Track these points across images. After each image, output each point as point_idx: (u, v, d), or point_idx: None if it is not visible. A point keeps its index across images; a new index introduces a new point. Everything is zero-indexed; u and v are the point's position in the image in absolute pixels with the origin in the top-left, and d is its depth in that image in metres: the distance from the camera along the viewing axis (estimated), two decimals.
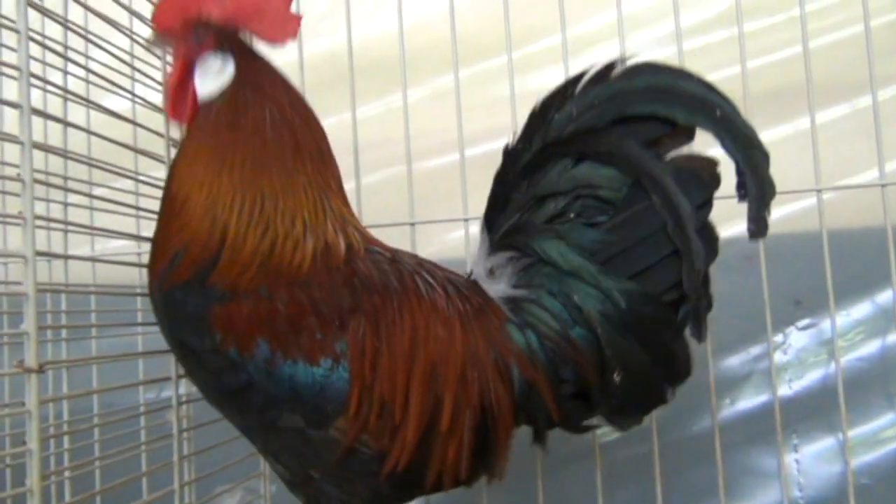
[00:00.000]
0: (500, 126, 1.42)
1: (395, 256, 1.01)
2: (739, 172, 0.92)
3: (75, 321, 1.42)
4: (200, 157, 0.96)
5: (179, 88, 0.99)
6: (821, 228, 1.26)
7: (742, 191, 0.92)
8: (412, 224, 1.38)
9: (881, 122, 1.26)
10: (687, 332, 0.95)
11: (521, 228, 0.98)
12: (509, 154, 1.00)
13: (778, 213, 1.59)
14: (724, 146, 0.92)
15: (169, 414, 1.25)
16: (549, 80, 1.67)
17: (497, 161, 1.26)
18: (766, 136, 1.61)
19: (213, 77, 0.97)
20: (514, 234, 0.99)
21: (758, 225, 0.92)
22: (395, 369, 0.91)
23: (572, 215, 0.96)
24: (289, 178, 0.96)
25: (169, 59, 1.31)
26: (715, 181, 0.94)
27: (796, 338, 1.59)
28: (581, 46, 1.67)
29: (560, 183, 0.96)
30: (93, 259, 1.30)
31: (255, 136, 0.95)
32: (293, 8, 1.00)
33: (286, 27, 0.98)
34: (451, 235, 1.49)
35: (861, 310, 1.57)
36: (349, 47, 1.38)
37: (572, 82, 0.97)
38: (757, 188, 0.91)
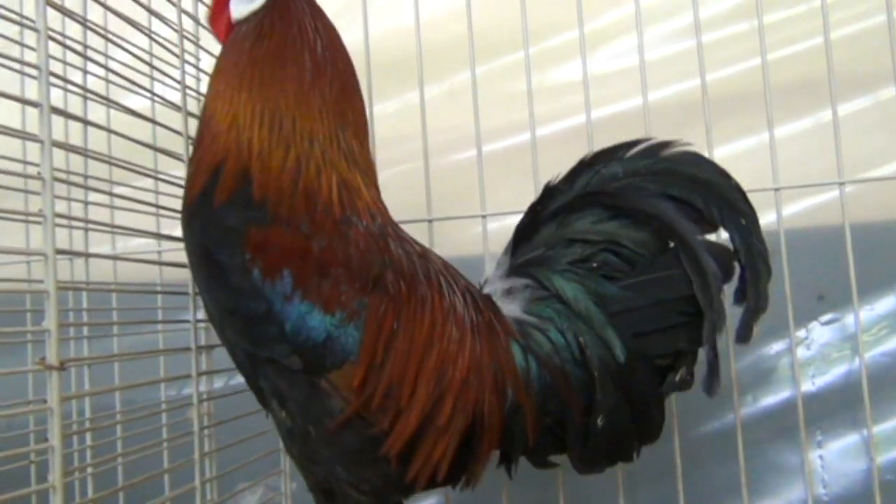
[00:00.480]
0: (518, 122, 1.42)
1: (424, 252, 1.04)
2: (742, 278, 0.99)
3: (97, 319, 1.43)
4: (223, 73, 1.00)
5: (219, 5, 1.04)
6: (843, 222, 1.25)
7: (740, 296, 0.99)
8: (430, 221, 1.38)
9: None
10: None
11: (544, 262, 1.03)
12: (549, 190, 1.06)
13: (800, 206, 1.59)
14: (737, 250, 0.99)
15: (190, 411, 1.25)
16: (567, 75, 1.70)
17: (515, 157, 1.26)
18: (788, 129, 1.61)
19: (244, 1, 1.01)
20: (535, 265, 1.04)
21: (745, 332, 0.98)
22: (408, 356, 0.94)
23: (594, 265, 1.01)
24: (304, 98, 0.98)
25: (188, 57, 1.33)
26: (728, 273, 0.99)
27: (819, 333, 1.57)
28: (599, 41, 1.67)
29: (591, 232, 1.02)
30: (113, 257, 1.31)
31: (274, 54, 0.99)
32: None
33: None
34: (468, 232, 1.49)
35: (885, 304, 1.55)
36: (366, 44, 1.39)
37: (625, 146, 1.05)
38: (753, 299, 0.98)
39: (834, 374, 1.55)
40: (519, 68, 1.38)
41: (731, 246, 1.00)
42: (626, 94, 1.53)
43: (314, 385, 0.93)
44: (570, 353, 0.99)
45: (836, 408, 1.51)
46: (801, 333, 1.56)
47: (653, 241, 1.00)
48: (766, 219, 1.36)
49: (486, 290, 1.07)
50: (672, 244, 1.00)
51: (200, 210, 0.96)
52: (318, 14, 1.04)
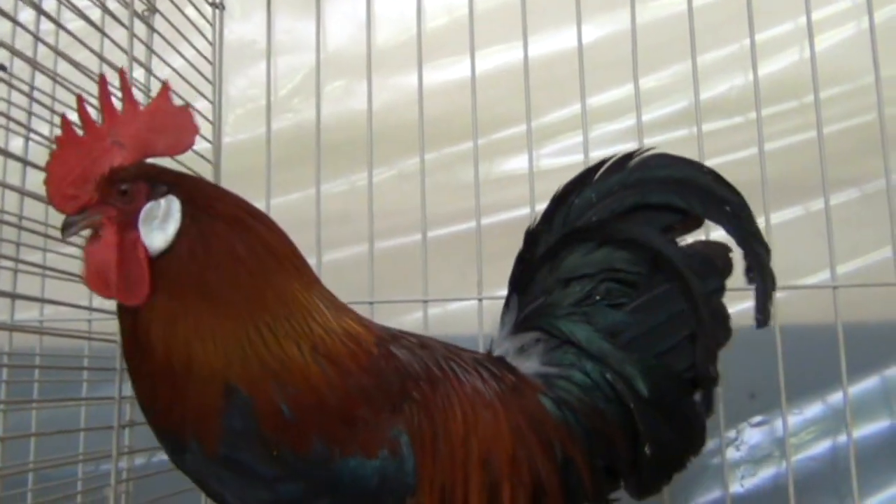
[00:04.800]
0: (464, 210, 1.44)
1: (423, 342, 0.99)
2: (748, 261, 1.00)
3: (16, 388, 1.37)
4: (185, 312, 0.85)
5: (125, 261, 0.85)
6: (774, 328, 1.28)
7: (750, 274, 0.99)
8: (371, 303, 1.37)
9: (833, 226, 1.30)
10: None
11: (547, 311, 1.00)
12: (530, 235, 1.03)
13: (734, 308, 1.63)
14: (732, 237, 0.99)
15: (106, 490, 1.20)
16: (514, 166, 1.73)
17: (459, 245, 1.26)
18: (723, 234, 1.65)
19: (160, 224, 0.86)
20: (540, 317, 1.01)
21: (764, 315, 0.99)
22: (453, 458, 0.90)
23: (597, 297, 0.99)
24: (284, 290, 0.89)
25: None
26: (728, 268, 1.00)
27: (749, 434, 1.59)
28: (545, 136, 1.72)
29: (584, 266, 1.00)
30: (40, 332, 1.26)
31: (236, 266, 0.87)
32: (185, 111, 0.90)
33: (186, 135, 0.90)
34: (410, 317, 1.49)
35: (813, 409, 1.59)
36: (317, 123, 1.39)
37: (592, 170, 1.03)
38: (761, 281, 0.98)
39: (762, 476, 1.57)
40: (467, 157, 1.40)
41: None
42: None
43: None
44: (601, 391, 0.97)
45: None
46: (732, 434, 1.58)
47: (647, 258, 0.99)
48: None
49: (498, 353, 1.03)
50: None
51: (220, 457, 0.84)
52: (225, 191, 0.95)
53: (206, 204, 0.88)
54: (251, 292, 0.87)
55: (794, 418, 1.56)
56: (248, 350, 0.85)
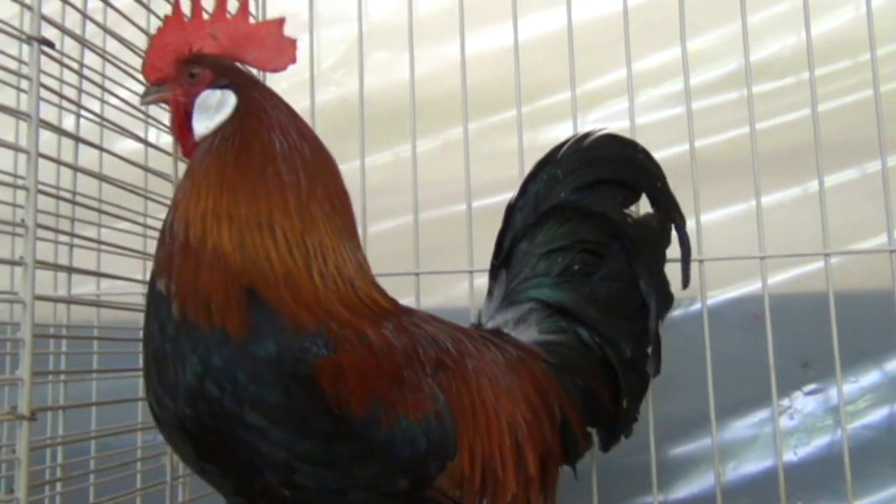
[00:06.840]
0: (508, 179, 1.42)
1: (432, 317, 1.00)
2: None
3: (76, 361, 1.41)
4: (210, 189, 0.86)
5: (182, 132, 0.93)
6: (828, 293, 1.25)
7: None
8: (417, 274, 1.38)
9: (889, 187, 1.25)
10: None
11: (536, 282, 1.09)
12: (510, 209, 1.13)
13: (786, 274, 1.60)
14: (658, 209, 1.14)
15: (164, 458, 1.23)
16: (558, 134, 1.70)
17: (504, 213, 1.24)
18: (776, 197, 1.62)
19: (211, 113, 0.91)
20: (530, 288, 1.09)
21: (684, 279, 1.13)
22: (489, 426, 0.93)
23: (576, 267, 1.09)
24: (306, 211, 0.88)
25: None
26: (667, 236, 1.13)
27: (803, 402, 1.57)
28: (590, 102, 1.69)
29: (559, 238, 1.09)
30: (96, 304, 1.29)
31: (266, 166, 0.87)
32: (289, 35, 0.95)
33: (283, 54, 0.95)
34: (455, 286, 1.48)
35: (869, 377, 1.55)
36: (360, 95, 1.39)
37: (556, 149, 1.14)
38: (682, 249, 1.13)
39: (816, 445, 1.55)
40: (511, 126, 1.39)
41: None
42: None
43: (418, 498, 0.87)
44: (593, 354, 1.06)
45: (818, 479, 1.50)
46: (785, 402, 1.56)
47: (607, 229, 1.10)
48: (752, 286, 1.37)
49: (491, 325, 1.09)
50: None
51: (238, 353, 0.80)
52: (288, 107, 0.95)
53: (260, 108, 0.91)
54: (276, 198, 0.87)
55: (850, 386, 1.53)
56: (264, 250, 0.84)
